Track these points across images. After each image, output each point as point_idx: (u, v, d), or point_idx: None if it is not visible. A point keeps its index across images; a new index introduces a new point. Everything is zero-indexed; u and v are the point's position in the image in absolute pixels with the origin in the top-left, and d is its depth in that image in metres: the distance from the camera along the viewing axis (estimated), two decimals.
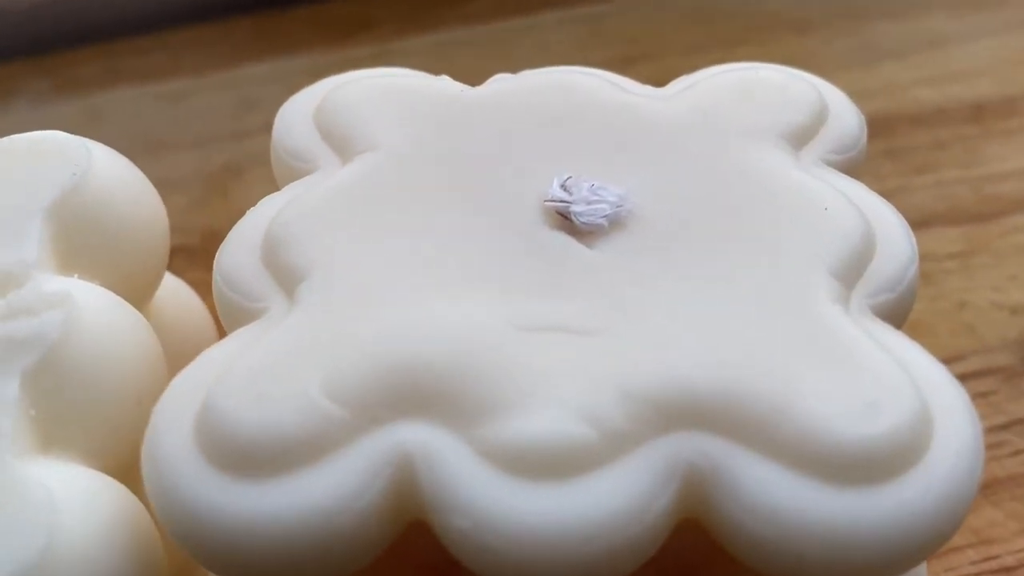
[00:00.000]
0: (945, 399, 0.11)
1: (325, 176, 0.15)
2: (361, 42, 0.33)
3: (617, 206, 0.14)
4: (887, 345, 0.12)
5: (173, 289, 0.18)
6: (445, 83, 0.17)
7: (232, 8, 0.36)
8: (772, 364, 0.11)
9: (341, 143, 0.15)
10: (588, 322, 0.12)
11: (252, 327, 0.13)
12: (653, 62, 0.17)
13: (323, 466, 0.11)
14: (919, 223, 0.25)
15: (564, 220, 0.14)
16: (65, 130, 0.17)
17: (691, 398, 0.11)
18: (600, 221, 0.13)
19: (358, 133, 0.15)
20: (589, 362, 0.12)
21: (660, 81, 0.17)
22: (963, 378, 0.12)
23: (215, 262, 0.14)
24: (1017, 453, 0.20)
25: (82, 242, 0.14)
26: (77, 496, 0.12)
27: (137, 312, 0.14)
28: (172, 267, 0.17)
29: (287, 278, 0.13)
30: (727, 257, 0.13)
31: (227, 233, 0.14)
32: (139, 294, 0.15)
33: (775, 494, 0.11)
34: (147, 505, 0.13)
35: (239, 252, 0.14)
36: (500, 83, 0.17)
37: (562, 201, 0.14)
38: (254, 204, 0.15)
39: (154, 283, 0.16)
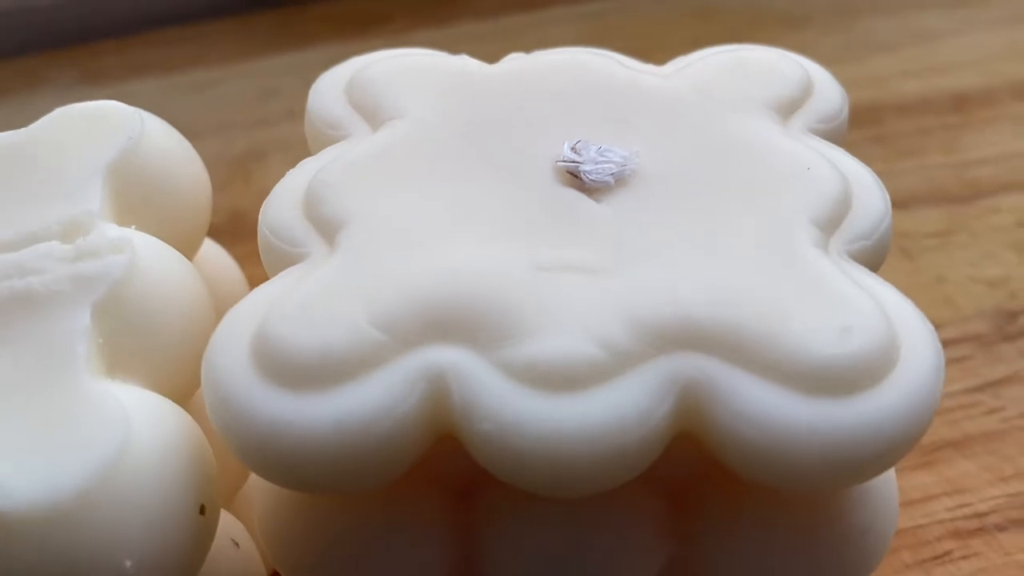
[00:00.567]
0: (910, 326, 0.13)
1: (357, 142, 0.16)
2: (376, 35, 0.34)
3: (622, 166, 0.15)
4: (861, 283, 0.13)
5: (211, 250, 0.19)
6: (464, 61, 0.18)
7: (253, 3, 0.37)
8: (760, 295, 0.13)
9: (371, 112, 0.17)
10: (597, 263, 0.14)
11: (296, 268, 0.14)
12: (655, 56, 0.18)
13: (365, 381, 0.12)
14: (903, 203, 0.27)
15: (574, 178, 0.15)
16: None
17: (689, 323, 0.13)
18: (607, 179, 0.15)
19: (387, 103, 0.17)
20: (598, 296, 0.13)
21: None
22: (942, 345, 0.13)
23: (260, 216, 0.15)
24: (990, 412, 0.22)
25: (138, 198, 0.16)
26: (144, 410, 0.13)
27: (187, 259, 0.16)
28: None
29: (326, 227, 0.15)
30: (721, 210, 0.15)
31: (250, 213, 0.16)
32: (186, 247, 0.17)
33: (763, 404, 0.12)
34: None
35: (282, 205, 0.15)
36: (514, 61, 0.18)
37: (572, 161, 0.15)
38: (274, 186, 0.16)
39: (199, 238, 0.17)
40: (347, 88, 0.18)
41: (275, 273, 0.15)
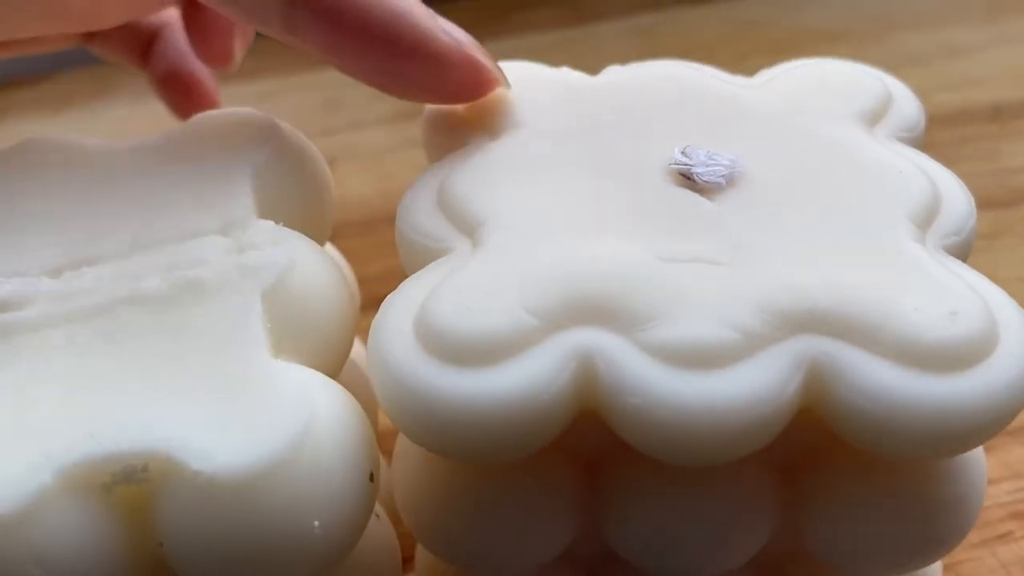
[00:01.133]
0: (1005, 312, 0.14)
1: (479, 148, 0.18)
2: None
3: (731, 168, 0.17)
4: (959, 273, 0.15)
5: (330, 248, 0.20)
6: (567, 72, 0.20)
7: None
8: (873, 283, 0.14)
9: (490, 122, 0.18)
10: (719, 256, 0.15)
11: (443, 261, 0.16)
12: None
13: (521, 360, 0.14)
14: None
15: (686, 180, 0.17)
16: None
17: (812, 308, 0.14)
18: (719, 179, 0.16)
19: (504, 112, 0.18)
20: (726, 284, 0.15)
21: None
22: None
23: (399, 215, 0.17)
24: None
25: (279, 197, 0.17)
26: (317, 386, 0.14)
27: (326, 252, 0.17)
28: None
29: (466, 224, 0.16)
30: (825, 208, 0.16)
31: None
32: (319, 240, 0.18)
33: (881, 380, 0.14)
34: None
35: (418, 205, 0.17)
36: (614, 73, 0.20)
37: (684, 164, 0.17)
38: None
39: (327, 232, 0.19)
40: None
41: (415, 267, 0.16)
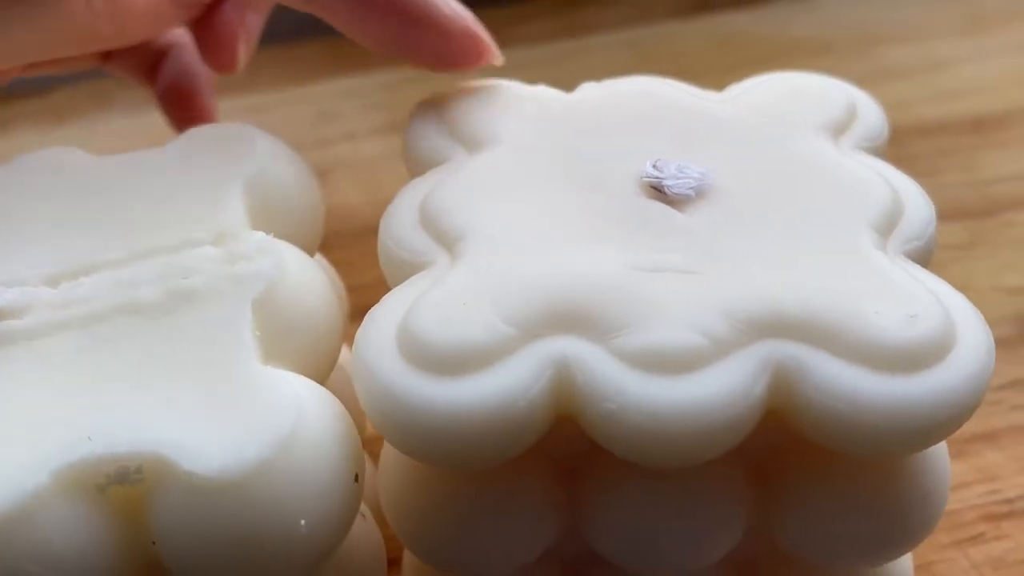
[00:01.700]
0: (963, 315, 0.15)
1: (458, 165, 0.18)
2: None
3: (700, 180, 0.17)
4: (918, 278, 0.16)
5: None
6: (543, 89, 0.20)
7: (299, 32, 0.39)
8: (837, 289, 0.15)
9: (469, 139, 0.19)
10: (689, 265, 0.16)
11: (424, 274, 0.16)
12: (693, 81, 0.21)
13: (500, 368, 0.15)
14: None
15: (658, 192, 0.17)
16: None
17: (778, 313, 0.15)
18: (688, 191, 0.17)
19: (482, 130, 0.19)
20: (694, 292, 0.15)
21: None
22: None
23: (381, 229, 0.18)
24: (1015, 408, 0.24)
25: (270, 208, 0.18)
26: (305, 391, 0.15)
27: (315, 262, 0.18)
28: None
29: (445, 238, 0.17)
30: (791, 218, 0.17)
31: None
32: (308, 250, 0.19)
33: (845, 381, 0.14)
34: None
35: (401, 220, 0.17)
36: (589, 90, 0.20)
37: (656, 177, 0.17)
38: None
39: (317, 242, 0.19)
40: (443, 118, 0.20)
41: (397, 279, 0.17)
